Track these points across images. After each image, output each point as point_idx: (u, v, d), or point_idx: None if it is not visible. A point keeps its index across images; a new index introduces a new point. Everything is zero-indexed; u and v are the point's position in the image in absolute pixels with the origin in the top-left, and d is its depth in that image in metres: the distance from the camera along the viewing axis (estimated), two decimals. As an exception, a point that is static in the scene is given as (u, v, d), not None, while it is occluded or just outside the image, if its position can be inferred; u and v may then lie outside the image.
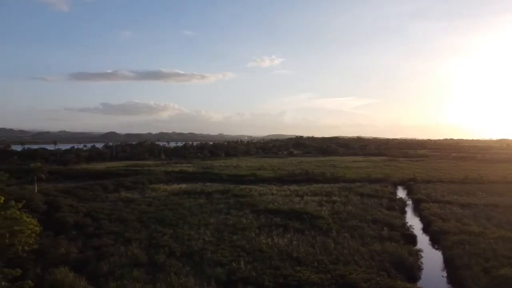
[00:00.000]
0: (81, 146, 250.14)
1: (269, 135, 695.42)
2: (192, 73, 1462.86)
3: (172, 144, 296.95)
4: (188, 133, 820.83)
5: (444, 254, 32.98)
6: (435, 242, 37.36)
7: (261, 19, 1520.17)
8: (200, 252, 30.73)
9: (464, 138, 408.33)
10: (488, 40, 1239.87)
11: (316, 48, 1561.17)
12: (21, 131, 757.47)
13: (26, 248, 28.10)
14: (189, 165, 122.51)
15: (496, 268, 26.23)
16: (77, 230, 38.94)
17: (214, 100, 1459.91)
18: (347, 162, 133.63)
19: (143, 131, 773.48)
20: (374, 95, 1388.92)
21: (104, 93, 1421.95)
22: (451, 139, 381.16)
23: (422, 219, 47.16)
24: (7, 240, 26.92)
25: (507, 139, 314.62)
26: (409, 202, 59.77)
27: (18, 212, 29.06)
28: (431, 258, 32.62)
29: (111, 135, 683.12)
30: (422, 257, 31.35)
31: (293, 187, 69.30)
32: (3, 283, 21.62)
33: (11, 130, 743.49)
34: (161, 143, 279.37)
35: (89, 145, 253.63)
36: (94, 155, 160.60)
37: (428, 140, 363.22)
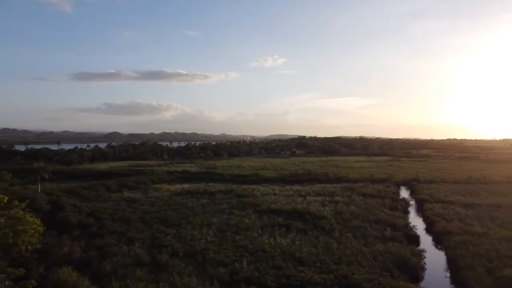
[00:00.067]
0: (84, 146, 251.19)
1: (271, 135, 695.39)
2: (195, 73, 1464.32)
3: (175, 144, 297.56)
4: (191, 133, 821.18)
5: (447, 255, 32.87)
6: (438, 242, 37.27)
7: (263, 19, 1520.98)
8: (203, 252, 30.76)
9: (468, 138, 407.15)
10: (489, 39, 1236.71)
11: (319, 48, 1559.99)
12: (25, 131, 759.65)
13: (30, 247, 28.23)
14: (192, 165, 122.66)
15: (499, 269, 26.15)
16: (80, 229, 39.07)
17: (217, 100, 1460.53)
18: (350, 162, 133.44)
19: (146, 131, 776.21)
20: (377, 95, 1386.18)
21: (107, 93, 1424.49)
22: (454, 139, 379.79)
23: (425, 219, 47.04)
24: (10, 240, 27.04)
25: (511, 139, 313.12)
26: (412, 202, 59.62)
27: (21, 212, 29.21)
28: (434, 259, 32.54)
29: (114, 135, 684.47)
30: (425, 257, 31.25)
31: (296, 187, 69.27)
32: (6, 283, 21.71)
33: (14, 130, 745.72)
34: (163, 143, 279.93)
35: (92, 145, 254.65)
36: (97, 155, 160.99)
37: (431, 140, 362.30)
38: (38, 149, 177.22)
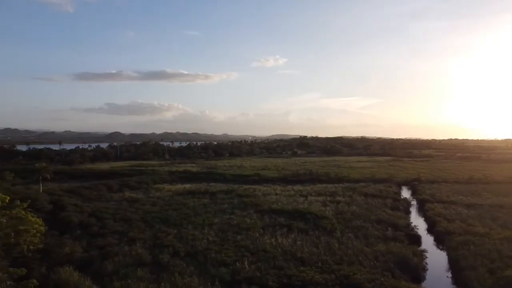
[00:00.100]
0: (86, 146, 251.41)
1: (273, 135, 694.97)
2: (196, 73, 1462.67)
3: (176, 144, 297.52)
4: (192, 133, 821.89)
5: (449, 255, 32.84)
6: (440, 242, 37.23)
7: (265, 19, 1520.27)
8: (204, 252, 30.77)
9: (469, 138, 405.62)
10: (489, 39, 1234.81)
11: (320, 48, 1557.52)
12: (26, 131, 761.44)
13: (31, 247, 28.29)
14: (193, 165, 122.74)
15: (501, 269, 26.09)
16: (82, 229, 39.14)
17: (218, 100, 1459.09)
18: (351, 162, 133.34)
19: (147, 131, 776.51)
20: (379, 95, 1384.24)
21: (108, 93, 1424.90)
22: (456, 139, 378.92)
23: (427, 220, 46.98)
24: (12, 240, 27.10)
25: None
26: (414, 202, 59.57)
27: (23, 212, 29.27)
28: (436, 259, 32.50)
29: (116, 135, 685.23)
30: (426, 257, 31.22)
31: (297, 187, 69.24)
32: (8, 282, 21.75)
33: (16, 130, 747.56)
34: (165, 143, 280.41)
35: (93, 145, 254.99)
36: (99, 155, 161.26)
37: (433, 140, 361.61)
38: (40, 149, 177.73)
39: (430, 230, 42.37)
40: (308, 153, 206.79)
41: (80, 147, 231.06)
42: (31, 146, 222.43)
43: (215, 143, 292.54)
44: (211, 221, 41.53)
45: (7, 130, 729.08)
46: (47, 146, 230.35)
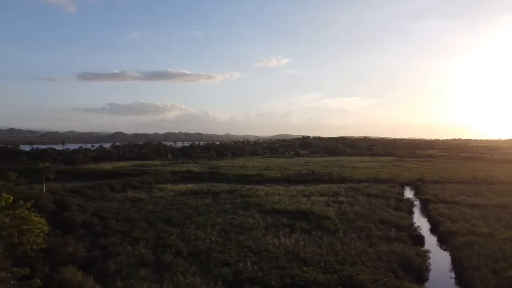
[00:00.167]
0: (88, 146, 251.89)
1: (275, 135, 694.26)
2: (199, 73, 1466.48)
3: (179, 144, 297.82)
4: (195, 133, 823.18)
5: (452, 255, 32.67)
6: (443, 243, 37.06)
7: (267, 19, 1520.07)
8: (207, 252, 30.76)
9: (473, 138, 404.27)
10: (491, 39, 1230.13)
11: (323, 48, 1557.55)
12: (30, 131, 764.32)
13: (35, 247, 28.36)
14: (196, 165, 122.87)
15: (505, 270, 25.95)
16: (85, 229, 39.22)
17: (221, 100, 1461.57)
18: (354, 162, 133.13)
19: (150, 131, 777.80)
20: (381, 95, 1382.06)
21: (111, 93, 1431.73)
22: (459, 139, 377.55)
23: (430, 220, 46.81)
24: (16, 239, 27.16)
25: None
26: (417, 202, 59.36)
27: (26, 212, 29.35)
28: (439, 259, 32.33)
29: (118, 135, 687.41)
30: (430, 258, 31.09)
31: (300, 187, 69.15)
32: (12, 282, 21.81)
33: (19, 130, 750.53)
34: (168, 143, 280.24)
35: (96, 145, 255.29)
36: (102, 155, 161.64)
37: (436, 140, 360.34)
38: (43, 149, 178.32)
39: (433, 231, 42.18)
40: (311, 153, 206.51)
41: (83, 147, 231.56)
42: (34, 146, 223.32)
43: (218, 143, 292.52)
44: (214, 221, 41.52)
45: (11, 130, 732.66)
46: (50, 146, 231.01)
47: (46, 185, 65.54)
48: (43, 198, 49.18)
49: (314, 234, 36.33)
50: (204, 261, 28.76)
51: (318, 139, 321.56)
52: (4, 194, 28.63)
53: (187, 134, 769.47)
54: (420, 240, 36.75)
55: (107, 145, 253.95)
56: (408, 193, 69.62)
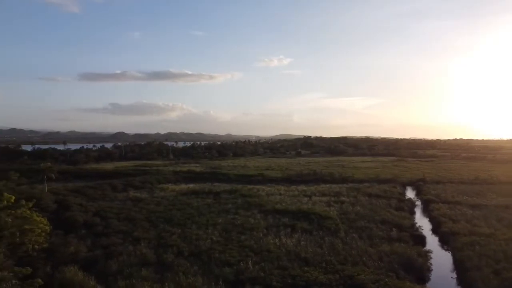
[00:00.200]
0: (90, 146, 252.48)
1: (277, 135, 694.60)
2: (201, 73, 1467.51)
3: (180, 144, 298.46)
4: (196, 133, 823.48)
5: (453, 256, 32.64)
6: (445, 243, 37.03)
7: (269, 19, 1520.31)
8: (208, 251, 30.80)
9: (474, 138, 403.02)
10: (493, 39, 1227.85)
11: (324, 48, 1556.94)
12: (31, 131, 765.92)
13: (36, 247, 28.41)
14: (197, 165, 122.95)
15: (506, 270, 25.94)
16: (86, 229, 39.29)
17: (222, 100, 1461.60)
18: (356, 162, 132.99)
19: (152, 131, 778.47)
20: (383, 95, 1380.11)
21: (113, 93, 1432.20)
22: (461, 139, 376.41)
23: (432, 220, 46.76)
24: (17, 239, 27.24)
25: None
26: (418, 202, 59.31)
27: (28, 211, 29.41)
28: (441, 260, 32.33)
29: (120, 135, 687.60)
30: (431, 258, 31.07)
31: (301, 187, 69.13)
32: (14, 281, 21.88)
33: (21, 130, 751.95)
34: (169, 143, 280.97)
35: (98, 145, 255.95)
36: (103, 155, 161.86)
37: (437, 140, 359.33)
38: (45, 149, 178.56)
39: (435, 231, 42.13)
40: (312, 153, 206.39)
41: (85, 147, 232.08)
42: (36, 146, 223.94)
43: (219, 143, 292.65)
44: (215, 221, 41.56)
45: (13, 130, 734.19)
46: (52, 146, 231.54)
47: (47, 185, 65.68)
48: (44, 198, 49.27)
49: (316, 234, 36.33)
50: (205, 261, 28.79)
51: (320, 139, 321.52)
52: (6, 194, 28.71)
53: (188, 134, 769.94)
54: (421, 240, 36.71)
55: (108, 145, 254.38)
56: (410, 193, 69.55)
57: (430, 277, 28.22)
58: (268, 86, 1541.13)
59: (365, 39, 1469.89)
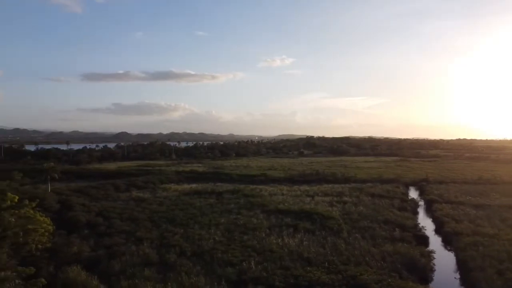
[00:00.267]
0: (93, 146, 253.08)
1: (279, 135, 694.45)
2: (203, 73, 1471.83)
3: (183, 144, 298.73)
4: (199, 133, 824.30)
5: (457, 256, 32.52)
6: (448, 243, 36.88)
7: (272, 19, 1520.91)
8: (211, 251, 30.78)
9: (478, 138, 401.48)
10: (497, 39, 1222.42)
11: (327, 48, 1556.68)
12: (35, 131, 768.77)
13: (40, 246, 28.49)
14: (200, 165, 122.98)
15: (510, 271, 25.82)
16: (89, 229, 39.34)
17: (225, 100, 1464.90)
18: (358, 162, 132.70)
19: (154, 131, 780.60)
20: (386, 95, 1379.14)
21: (116, 93, 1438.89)
22: (464, 139, 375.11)
23: (435, 220, 46.60)
24: (21, 239, 27.31)
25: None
26: (421, 203, 59.14)
27: (31, 211, 29.49)
28: (444, 260, 32.23)
29: (123, 135, 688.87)
30: (434, 258, 30.98)
31: (304, 187, 69.01)
32: (17, 281, 21.96)
33: (25, 130, 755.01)
34: (172, 143, 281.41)
35: (101, 145, 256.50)
36: (106, 155, 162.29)
37: (441, 140, 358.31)
38: (48, 149, 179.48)
39: (438, 231, 42.00)
40: (315, 153, 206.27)
41: (88, 147, 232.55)
42: (39, 146, 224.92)
43: (222, 143, 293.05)
44: (218, 221, 41.55)
45: (16, 130, 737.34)
46: (55, 146, 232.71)
47: (51, 185, 65.85)
48: (48, 198, 49.40)
49: (318, 234, 36.26)
50: (208, 261, 28.78)
51: (322, 139, 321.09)
52: (9, 194, 28.77)
53: (191, 134, 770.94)
54: (424, 240, 36.61)
55: (111, 145, 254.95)
56: (413, 193, 69.31)
57: (433, 278, 28.11)
58: (271, 86, 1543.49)
59: (365, 39, 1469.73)
